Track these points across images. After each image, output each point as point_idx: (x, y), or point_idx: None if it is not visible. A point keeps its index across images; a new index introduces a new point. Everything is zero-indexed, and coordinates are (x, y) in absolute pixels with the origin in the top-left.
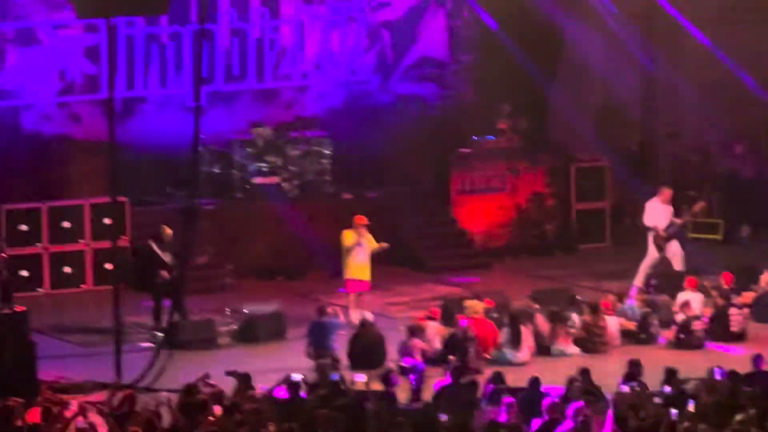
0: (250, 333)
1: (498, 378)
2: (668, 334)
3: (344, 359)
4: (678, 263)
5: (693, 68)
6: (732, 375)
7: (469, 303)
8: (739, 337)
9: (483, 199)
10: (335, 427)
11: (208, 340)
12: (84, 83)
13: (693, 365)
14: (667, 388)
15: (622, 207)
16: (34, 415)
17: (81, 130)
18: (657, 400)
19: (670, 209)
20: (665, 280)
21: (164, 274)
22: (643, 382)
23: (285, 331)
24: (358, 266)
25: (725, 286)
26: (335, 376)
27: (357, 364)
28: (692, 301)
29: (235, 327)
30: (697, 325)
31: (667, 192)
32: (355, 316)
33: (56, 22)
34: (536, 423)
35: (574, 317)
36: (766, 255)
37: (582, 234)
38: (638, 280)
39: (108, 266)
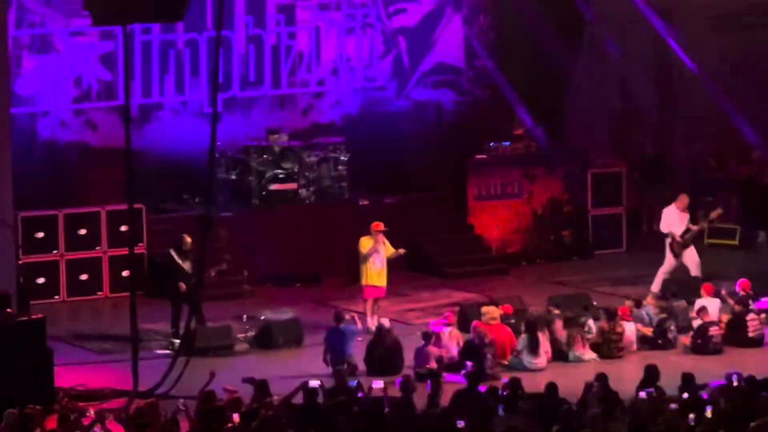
0: (268, 340)
1: (515, 384)
2: (685, 340)
3: (361, 366)
4: (695, 269)
5: (710, 73)
6: (750, 381)
7: (485, 309)
8: (757, 342)
9: (499, 205)
10: None
11: (225, 347)
12: (100, 90)
13: (710, 371)
14: (685, 394)
15: (638, 213)
16: (51, 423)
17: (97, 137)
18: (674, 405)
19: (686, 216)
20: (682, 286)
21: (182, 285)
22: (661, 388)
23: (302, 337)
24: (375, 272)
25: (742, 292)
26: (353, 383)
27: (374, 370)
28: (709, 306)
29: (252, 334)
30: (714, 331)
31: (684, 198)
32: (372, 323)
33: (72, 29)
34: None
35: (591, 323)
36: None
37: (598, 240)
38: (655, 286)
39: (125, 273)
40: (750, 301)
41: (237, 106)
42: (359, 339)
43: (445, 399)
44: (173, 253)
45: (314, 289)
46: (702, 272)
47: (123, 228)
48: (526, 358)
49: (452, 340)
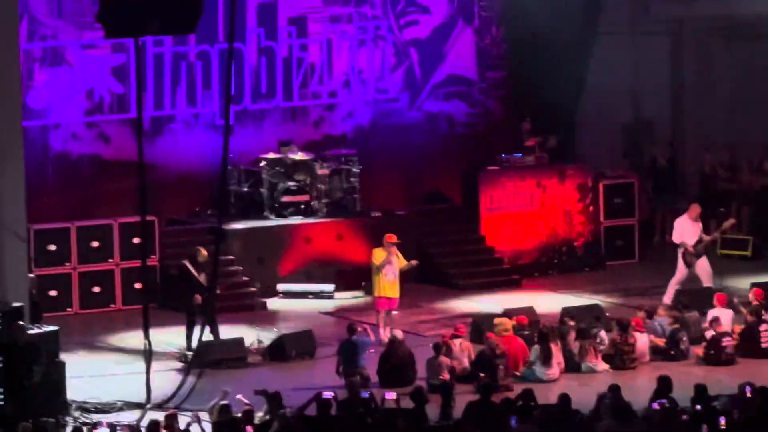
0: (280, 351)
1: (528, 395)
2: (698, 351)
3: (374, 377)
4: (707, 280)
5: (722, 82)
6: (763, 391)
7: (498, 320)
8: None
9: (512, 216)
10: None
11: (238, 359)
12: (112, 103)
13: (723, 382)
14: (698, 405)
15: (651, 223)
16: None
17: (109, 149)
18: (687, 417)
19: (699, 226)
20: (695, 297)
21: (197, 298)
22: (674, 399)
23: (315, 349)
24: (388, 284)
25: (755, 302)
26: (365, 394)
27: (387, 381)
28: (722, 317)
29: (265, 346)
30: (727, 342)
31: (695, 208)
32: (385, 334)
33: (84, 41)
34: None
35: (603, 334)
36: None
37: (611, 251)
38: (667, 297)
39: (137, 286)
40: (763, 312)
41: (249, 119)
42: (372, 350)
43: (457, 410)
44: (188, 265)
45: (326, 300)
46: (714, 283)
47: (135, 240)
48: (539, 369)
49: (463, 352)
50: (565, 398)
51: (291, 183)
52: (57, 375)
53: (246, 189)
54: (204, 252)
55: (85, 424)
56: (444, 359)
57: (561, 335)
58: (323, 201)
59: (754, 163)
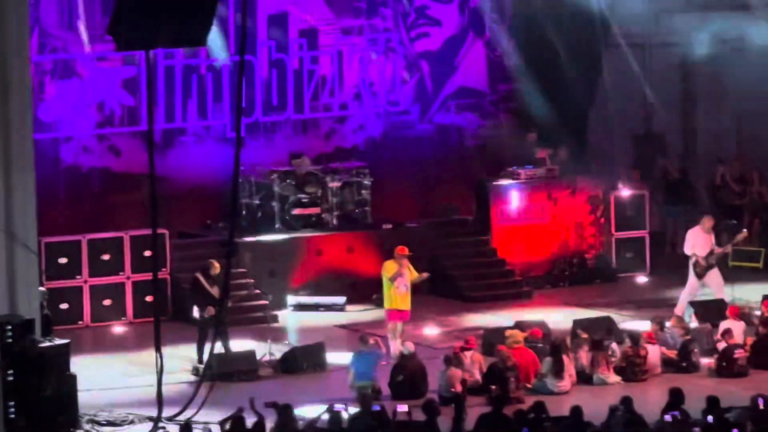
0: (292, 364)
1: (539, 407)
2: (710, 363)
3: (386, 389)
4: (719, 291)
5: (733, 94)
6: None
7: (509, 332)
8: None
9: (523, 228)
10: None
11: (249, 372)
12: (123, 115)
13: (735, 394)
14: (710, 417)
15: (662, 235)
16: None
17: (120, 162)
18: (698, 429)
19: (711, 238)
20: (706, 309)
21: (210, 310)
22: (686, 411)
23: (326, 361)
24: (400, 296)
25: (767, 314)
26: (377, 407)
27: (398, 394)
28: (734, 329)
29: (276, 358)
30: (739, 354)
31: (708, 220)
32: (397, 347)
33: (95, 54)
34: None
35: (615, 347)
36: None
37: (622, 263)
38: (679, 309)
39: (148, 298)
40: None
41: (260, 131)
42: (383, 363)
43: (469, 423)
44: (201, 278)
45: (338, 313)
46: (726, 294)
47: (147, 253)
48: (551, 382)
49: (475, 364)
50: (577, 410)
51: (302, 195)
52: (68, 388)
53: (257, 201)
54: (217, 265)
55: None
56: (455, 371)
57: (574, 348)
58: (334, 213)
59: (765, 175)
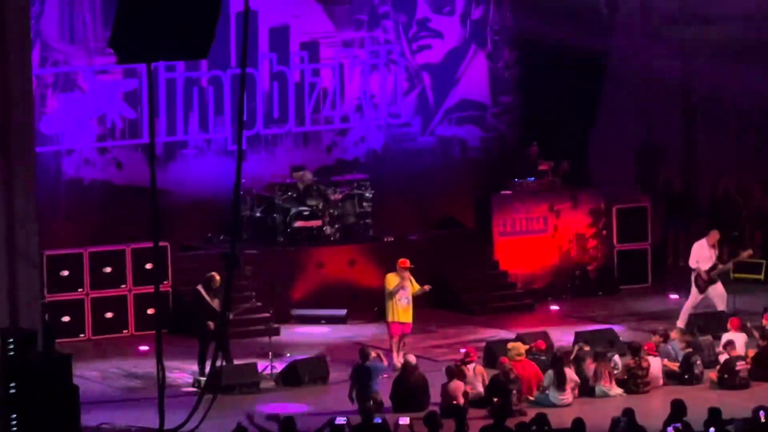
0: (293, 377)
1: (542, 420)
2: (712, 375)
3: (387, 402)
4: (722, 304)
5: (733, 106)
6: None
7: (512, 345)
8: None
9: (525, 240)
10: None
11: (251, 385)
12: (124, 128)
13: (737, 406)
14: (712, 429)
15: (664, 247)
16: None
17: (122, 175)
18: None
19: (715, 252)
20: (709, 321)
21: (210, 324)
22: (687, 423)
23: (328, 374)
24: (402, 309)
25: None
26: (379, 420)
27: (400, 406)
28: (736, 341)
29: (278, 371)
30: (741, 366)
31: (714, 234)
32: (398, 359)
33: (96, 67)
34: None
35: (617, 359)
36: None
37: (624, 275)
38: (681, 321)
39: (150, 311)
40: None
41: (261, 144)
42: (385, 376)
43: None
44: (202, 291)
45: (339, 326)
46: (728, 306)
47: (148, 266)
48: (553, 394)
49: (477, 377)
50: (579, 423)
51: (303, 208)
52: (70, 401)
53: (258, 214)
54: (218, 277)
55: None
56: (457, 384)
57: (577, 361)
58: (336, 226)
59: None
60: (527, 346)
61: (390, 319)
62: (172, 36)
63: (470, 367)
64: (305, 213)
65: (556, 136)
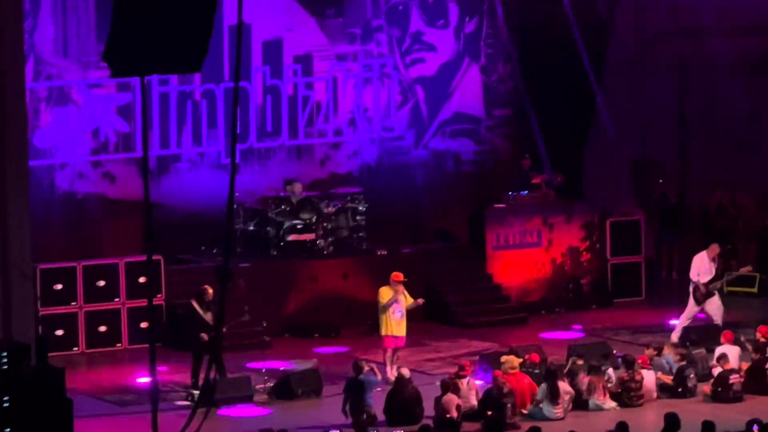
0: (287, 390)
1: None
2: (705, 388)
3: (381, 416)
4: (719, 317)
5: (728, 119)
6: None
7: (505, 358)
8: None
9: (518, 254)
10: None
11: (244, 398)
12: (118, 142)
13: (731, 419)
14: None
15: (658, 261)
16: None
17: (115, 188)
18: None
19: (714, 265)
20: (702, 334)
21: (204, 336)
22: None
23: (321, 388)
24: (395, 323)
25: (762, 339)
26: None
27: (394, 420)
28: (729, 354)
29: (271, 384)
30: (735, 379)
31: (714, 248)
32: (392, 373)
33: (89, 81)
34: None
35: (611, 372)
36: None
37: (618, 288)
38: (675, 334)
39: (143, 325)
40: None
41: (254, 157)
42: (378, 389)
43: None
44: (195, 304)
45: (333, 339)
46: (722, 320)
47: (142, 279)
48: (546, 408)
49: (471, 390)
50: None
51: (297, 222)
52: (64, 414)
53: (252, 228)
54: (210, 291)
55: None
56: (451, 397)
57: (570, 374)
58: (329, 239)
59: (760, 201)
60: (521, 360)
61: (384, 332)
62: (166, 49)
63: (464, 380)
64: (298, 226)
65: (550, 150)
